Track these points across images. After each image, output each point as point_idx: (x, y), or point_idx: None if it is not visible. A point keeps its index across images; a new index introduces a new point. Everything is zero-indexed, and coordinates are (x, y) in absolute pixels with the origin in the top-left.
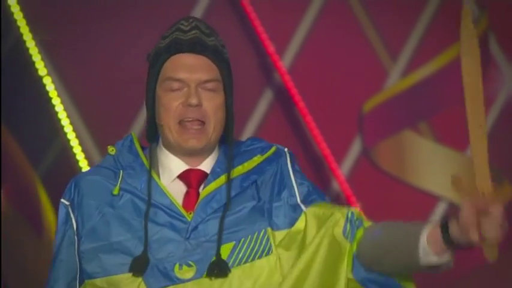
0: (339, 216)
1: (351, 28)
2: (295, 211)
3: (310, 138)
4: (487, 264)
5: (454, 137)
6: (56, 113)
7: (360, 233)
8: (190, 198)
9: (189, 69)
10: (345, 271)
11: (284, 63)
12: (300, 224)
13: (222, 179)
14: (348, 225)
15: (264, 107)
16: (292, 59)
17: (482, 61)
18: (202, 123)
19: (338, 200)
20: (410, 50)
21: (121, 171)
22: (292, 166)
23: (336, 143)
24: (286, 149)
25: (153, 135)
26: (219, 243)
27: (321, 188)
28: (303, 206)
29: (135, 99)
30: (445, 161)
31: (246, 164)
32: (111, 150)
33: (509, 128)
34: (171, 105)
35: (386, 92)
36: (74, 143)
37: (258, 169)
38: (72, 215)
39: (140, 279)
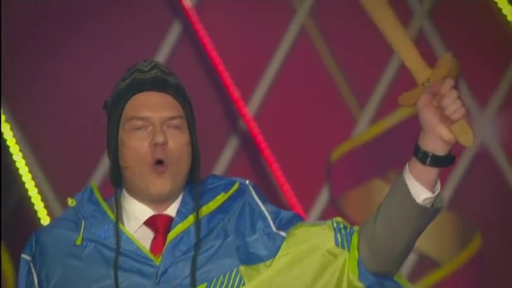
0: (326, 231)
1: (318, 74)
2: (275, 240)
3: (276, 187)
4: None
5: None
6: (14, 161)
7: (355, 238)
8: (158, 243)
9: (153, 107)
10: (346, 282)
11: (249, 109)
12: (283, 251)
13: (189, 220)
14: (338, 235)
15: (229, 154)
16: (258, 106)
17: None
18: (167, 165)
19: None
20: (379, 98)
21: (83, 221)
22: (259, 197)
23: (303, 192)
24: (247, 182)
25: (117, 181)
26: (193, 285)
27: None
28: (282, 233)
29: (95, 147)
30: None
31: (210, 204)
32: (71, 202)
33: (481, 175)
34: (137, 145)
35: (355, 140)
36: (33, 192)
37: (223, 208)
38: (33, 271)
39: None
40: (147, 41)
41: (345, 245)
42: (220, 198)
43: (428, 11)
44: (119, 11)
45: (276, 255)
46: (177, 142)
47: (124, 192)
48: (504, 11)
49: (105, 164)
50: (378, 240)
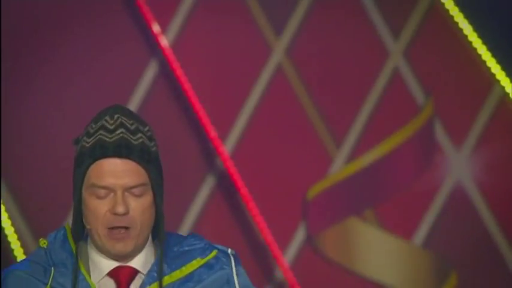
0: None
1: (294, 113)
2: None
3: (253, 225)
4: None
5: (400, 224)
6: None
7: None
8: None
9: (115, 175)
10: None
11: (226, 148)
12: None
13: (155, 286)
14: None
15: (206, 193)
16: (234, 144)
17: (428, 148)
18: (128, 228)
19: None
20: (355, 136)
21: (52, 268)
22: (239, 278)
23: (280, 230)
24: (229, 251)
25: (80, 233)
26: None
27: (264, 278)
28: None
29: (71, 185)
30: (391, 249)
31: (184, 268)
32: (43, 243)
33: (457, 213)
34: (98, 212)
35: (331, 178)
36: (9, 231)
37: (196, 275)
38: None
39: None
40: (124, 79)
41: None
42: (195, 264)
43: (404, 51)
44: (97, 49)
45: None
46: (138, 209)
47: (89, 241)
48: (478, 51)
49: None
50: None
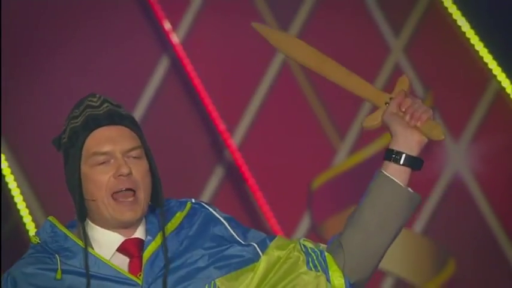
0: (296, 256)
1: (300, 107)
2: (248, 249)
3: (260, 215)
4: None
5: None
6: (10, 190)
7: (330, 260)
8: (135, 264)
9: (113, 140)
10: None
11: (234, 141)
12: (258, 265)
13: (159, 238)
14: (310, 260)
15: (215, 184)
16: (242, 137)
17: (428, 140)
18: (134, 192)
19: None
20: (357, 129)
21: (56, 255)
22: (219, 214)
23: (286, 219)
24: (193, 200)
25: (84, 215)
26: None
27: None
28: (258, 249)
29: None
30: None
31: (173, 221)
32: (35, 240)
33: (455, 203)
34: (102, 179)
35: (335, 169)
36: (27, 219)
37: (186, 223)
38: None
39: None
40: (137, 74)
41: (319, 267)
42: (179, 216)
43: (404, 47)
44: (111, 45)
45: (251, 262)
46: (139, 171)
47: (89, 223)
48: (476, 47)
49: None
50: (367, 239)
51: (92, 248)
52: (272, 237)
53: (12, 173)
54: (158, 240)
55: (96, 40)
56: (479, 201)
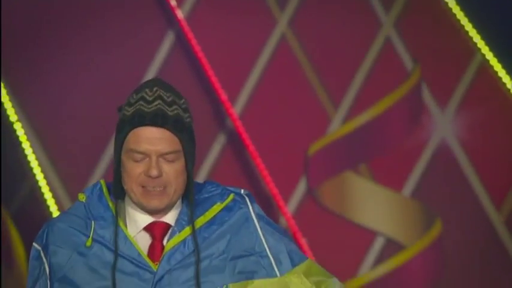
0: None
1: (297, 78)
2: (267, 264)
3: (259, 179)
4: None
5: (391, 178)
6: (26, 155)
7: None
8: (155, 249)
9: (151, 142)
10: None
11: (236, 110)
12: (272, 285)
13: (186, 231)
14: None
15: (217, 150)
16: (243, 107)
17: (417, 109)
18: (164, 187)
19: None
20: (351, 98)
21: (93, 222)
22: (255, 213)
23: (283, 183)
24: (242, 191)
25: (119, 190)
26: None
27: None
28: (276, 268)
29: (98, 142)
30: (383, 200)
31: (207, 214)
32: (82, 197)
33: (442, 168)
34: (134, 173)
35: (329, 136)
36: (42, 183)
37: (219, 218)
38: (44, 260)
39: None
40: (144, 48)
41: None
42: (216, 208)
43: (395, 21)
44: (120, 21)
45: (266, 277)
46: (170, 173)
47: (127, 199)
48: (462, 22)
49: (108, 156)
50: None
51: (124, 223)
52: (301, 256)
53: (28, 139)
54: (184, 233)
55: (104, 16)
56: (464, 165)
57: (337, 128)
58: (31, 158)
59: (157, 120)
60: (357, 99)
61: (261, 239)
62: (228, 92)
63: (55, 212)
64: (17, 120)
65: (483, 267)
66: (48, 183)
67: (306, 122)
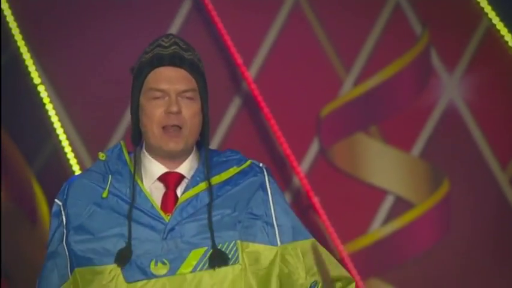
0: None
1: (310, 43)
2: (270, 232)
3: (274, 140)
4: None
5: (400, 139)
6: (49, 117)
7: None
8: (168, 200)
9: (170, 80)
10: None
11: (251, 73)
12: (270, 253)
13: (201, 186)
14: None
15: (233, 112)
16: (258, 70)
17: (425, 72)
18: (180, 128)
19: (298, 195)
20: (362, 62)
21: (110, 176)
22: (271, 185)
23: (297, 144)
24: (261, 165)
25: (137, 139)
26: (213, 238)
27: (283, 185)
28: (278, 238)
29: (118, 103)
30: (392, 160)
31: (223, 174)
32: (102, 156)
33: (450, 129)
34: (154, 112)
35: (341, 99)
36: (65, 143)
37: (233, 180)
38: (63, 213)
39: (119, 271)
40: (162, 13)
41: None
42: (232, 171)
43: None
44: None
45: (267, 243)
46: (189, 111)
47: (144, 150)
48: None
49: (127, 118)
50: None
51: (140, 178)
52: (305, 234)
53: (51, 101)
54: (198, 188)
55: None
56: (471, 126)
57: (349, 90)
58: (54, 119)
59: (175, 61)
60: (368, 63)
61: (270, 208)
62: (243, 56)
63: (77, 171)
64: (40, 83)
65: (488, 224)
66: (70, 144)
67: (318, 85)
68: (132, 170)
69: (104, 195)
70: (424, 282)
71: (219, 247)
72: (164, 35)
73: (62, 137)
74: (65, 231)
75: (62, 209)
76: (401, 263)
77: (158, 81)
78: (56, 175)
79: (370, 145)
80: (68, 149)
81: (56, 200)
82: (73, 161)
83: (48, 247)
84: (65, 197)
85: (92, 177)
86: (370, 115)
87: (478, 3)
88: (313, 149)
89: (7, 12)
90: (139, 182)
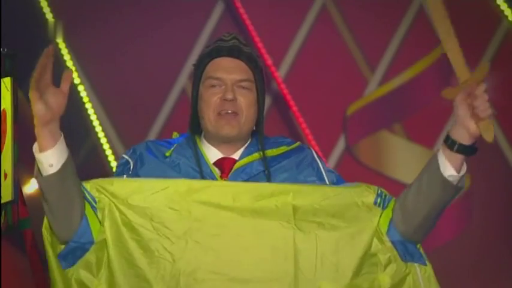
0: (369, 191)
1: (336, 44)
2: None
3: (302, 137)
4: (459, 238)
5: (423, 136)
6: (88, 115)
7: (391, 203)
8: (223, 175)
9: (227, 70)
10: (372, 230)
11: (280, 74)
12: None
13: (254, 156)
14: (379, 198)
15: (264, 111)
16: (287, 71)
17: (447, 72)
18: (236, 114)
19: None
20: (387, 63)
21: (175, 144)
22: (318, 157)
23: (324, 141)
24: (308, 145)
25: (195, 128)
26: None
27: None
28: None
29: (154, 101)
30: (415, 156)
31: (274, 150)
32: (175, 135)
33: None
34: (211, 99)
35: (366, 98)
36: (103, 140)
37: (284, 156)
38: (130, 160)
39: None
40: (196, 17)
41: (381, 205)
42: (283, 149)
43: None
44: None
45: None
46: (244, 99)
47: (202, 137)
48: None
49: (163, 116)
50: (407, 206)
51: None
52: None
53: (90, 101)
54: (251, 157)
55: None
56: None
57: (374, 90)
58: (93, 117)
59: (233, 52)
60: (392, 63)
61: (322, 173)
62: (273, 57)
63: (115, 167)
64: (79, 83)
65: (507, 217)
66: (108, 141)
67: (344, 85)
68: (196, 139)
69: (167, 154)
70: (444, 272)
71: None
72: (226, 32)
73: (101, 135)
74: (131, 171)
75: (128, 158)
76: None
77: (216, 70)
78: (95, 171)
79: (394, 142)
80: (106, 146)
81: (123, 155)
82: (111, 157)
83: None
84: (131, 152)
85: (159, 143)
86: (394, 113)
87: (498, 6)
88: (340, 145)
89: (49, 16)
90: (202, 150)
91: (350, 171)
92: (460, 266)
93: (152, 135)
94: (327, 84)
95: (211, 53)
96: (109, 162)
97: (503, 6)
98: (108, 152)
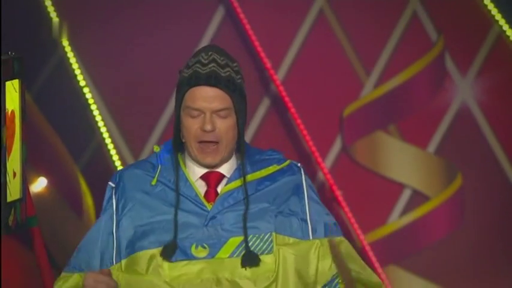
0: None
1: (333, 48)
2: (305, 228)
3: (300, 138)
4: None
5: (417, 136)
6: (93, 116)
7: None
8: (210, 194)
9: (205, 99)
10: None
11: (279, 76)
12: (310, 244)
13: (239, 181)
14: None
15: (263, 112)
16: (285, 73)
17: (440, 75)
18: (217, 143)
19: (323, 189)
20: (382, 65)
21: (160, 166)
22: (307, 183)
23: (321, 142)
24: (299, 164)
25: (179, 145)
26: (245, 234)
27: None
28: (310, 234)
29: (157, 102)
30: (410, 156)
31: (263, 171)
32: (156, 148)
33: (463, 128)
34: (191, 128)
35: (362, 99)
36: (108, 141)
37: (272, 177)
38: (114, 197)
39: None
40: (198, 21)
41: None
42: (272, 169)
43: None
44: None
45: (302, 238)
46: (223, 127)
47: (186, 154)
48: None
49: (166, 116)
50: None
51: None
52: (336, 233)
53: (95, 102)
54: (237, 182)
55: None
56: (483, 126)
57: (369, 92)
58: (98, 118)
59: (211, 80)
60: (387, 66)
61: (305, 206)
62: (272, 60)
63: (119, 166)
64: (85, 85)
65: (498, 215)
66: (113, 141)
67: (341, 87)
68: (182, 162)
69: (153, 183)
70: (438, 268)
71: (255, 237)
72: (205, 47)
73: (105, 135)
74: (114, 216)
75: (113, 192)
76: (418, 251)
77: (194, 101)
78: (99, 170)
79: (389, 142)
80: (110, 146)
81: (109, 183)
82: (115, 157)
83: (96, 221)
84: (117, 181)
85: (143, 166)
86: (389, 115)
87: (489, 11)
88: (337, 146)
89: (53, 16)
90: (185, 172)
91: (347, 171)
92: (453, 263)
93: (155, 135)
94: (324, 86)
95: (190, 81)
96: (113, 161)
97: (494, 12)
98: (113, 151)
